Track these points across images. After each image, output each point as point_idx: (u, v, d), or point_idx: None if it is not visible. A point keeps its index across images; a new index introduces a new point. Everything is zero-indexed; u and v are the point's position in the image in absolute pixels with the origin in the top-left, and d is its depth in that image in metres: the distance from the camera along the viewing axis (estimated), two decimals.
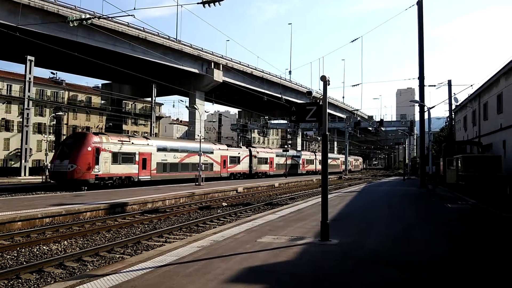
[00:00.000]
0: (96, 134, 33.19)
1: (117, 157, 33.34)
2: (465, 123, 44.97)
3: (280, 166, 62.97)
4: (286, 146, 74.33)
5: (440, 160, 37.77)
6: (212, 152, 46.75)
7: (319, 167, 72.91)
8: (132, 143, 35.55)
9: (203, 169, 39.39)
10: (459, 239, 11.19)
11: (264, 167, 58.63)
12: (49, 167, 32.53)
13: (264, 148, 59.40)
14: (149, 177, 36.48)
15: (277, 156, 62.94)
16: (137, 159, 35.45)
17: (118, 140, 34.24)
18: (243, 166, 53.19)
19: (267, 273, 7.42)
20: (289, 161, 65.95)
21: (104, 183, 32.23)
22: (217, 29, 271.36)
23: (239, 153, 52.81)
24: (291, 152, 69.74)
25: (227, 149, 51.04)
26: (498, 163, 26.25)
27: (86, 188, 29.44)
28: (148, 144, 37.14)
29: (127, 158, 34.59)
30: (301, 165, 72.06)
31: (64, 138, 41.00)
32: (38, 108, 73.86)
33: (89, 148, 30.48)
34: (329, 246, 9.75)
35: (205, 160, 44.28)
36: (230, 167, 50.39)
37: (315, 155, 78.98)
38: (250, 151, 55.81)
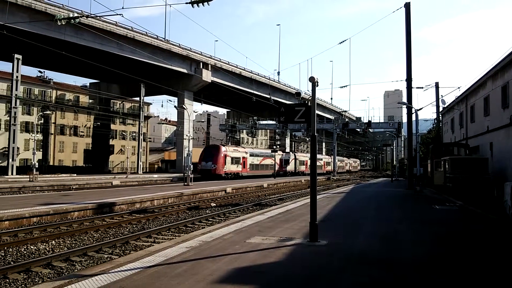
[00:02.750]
0: (223, 145, 50.75)
1: (233, 160, 52.01)
2: (452, 125, 45.37)
3: None
4: (274, 147, 75.15)
5: (428, 162, 38.07)
6: (274, 157, 62.23)
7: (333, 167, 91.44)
8: (238, 151, 55.05)
9: (269, 168, 61.55)
10: (447, 240, 11.28)
11: (303, 168, 76.00)
12: (198, 166, 49.00)
13: (302, 153, 79.67)
14: (246, 173, 55.56)
15: (309, 159, 75.26)
16: (241, 161, 54.18)
17: (233, 149, 54.01)
18: (291, 167, 71.55)
19: (256, 274, 7.43)
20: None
21: (227, 176, 49.23)
22: (206, 29, 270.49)
23: (289, 157, 71.00)
24: (318, 156, 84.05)
25: (282, 154, 69.69)
26: (485, 165, 26.48)
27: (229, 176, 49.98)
28: (245, 152, 56.84)
29: (236, 160, 53.18)
30: (322, 166, 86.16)
31: (205, 147, 59.46)
32: (26, 107, 73.15)
33: (222, 155, 44.28)
34: (318, 247, 9.78)
35: (271, 162, 62.03)
36: (284, 167, 68.57)
37: (331, 158, 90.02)
38: (295, 155, 74.86)
